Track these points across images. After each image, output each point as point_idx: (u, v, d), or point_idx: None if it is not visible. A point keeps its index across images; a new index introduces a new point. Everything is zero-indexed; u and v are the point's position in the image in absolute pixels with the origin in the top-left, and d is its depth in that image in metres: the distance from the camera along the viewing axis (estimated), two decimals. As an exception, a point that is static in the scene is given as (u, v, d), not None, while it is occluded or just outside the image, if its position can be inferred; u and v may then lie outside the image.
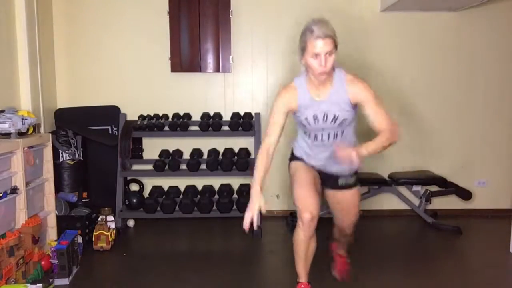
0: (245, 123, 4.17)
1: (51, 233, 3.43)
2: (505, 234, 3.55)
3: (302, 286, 2.50)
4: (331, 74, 2.25)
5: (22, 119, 3.09)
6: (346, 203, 2.53)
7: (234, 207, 4.07)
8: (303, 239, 2.41)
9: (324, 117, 2.28)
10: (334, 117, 2.27)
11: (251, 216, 2.25)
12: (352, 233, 2.70)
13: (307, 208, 2.32)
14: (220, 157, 4.25)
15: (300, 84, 2.31)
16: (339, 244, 2.85)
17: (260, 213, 4.12)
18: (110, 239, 3.52)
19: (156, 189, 4.28)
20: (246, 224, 2.24)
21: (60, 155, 3.96)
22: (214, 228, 4.17)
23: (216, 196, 4.25)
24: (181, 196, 4.23)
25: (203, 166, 4.15)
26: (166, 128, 4.20)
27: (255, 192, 2.29)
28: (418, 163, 4.45)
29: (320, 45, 2.09)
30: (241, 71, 4.41)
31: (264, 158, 2.34)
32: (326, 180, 2.52)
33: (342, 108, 2.25)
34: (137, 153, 4.40)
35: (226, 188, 4.27)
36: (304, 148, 2.50)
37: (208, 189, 4.27)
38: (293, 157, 2.60)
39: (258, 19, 4.34)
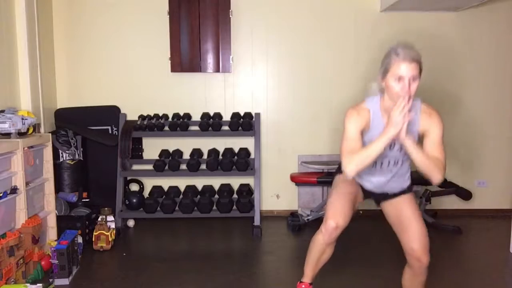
0: (245, 123, 4.17)
1: (51, 233, 3.43)
2: (505, 234, 3.55)
3: (303, 286, 2.48)
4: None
5: (22, 119, 3.09)
6: (406, 214, 2.26)
7: (234, 207, 4.06)
8: (321, 244, 2.33)
9: (392, 145, 2.15)
10: (401, 146, 2.15)
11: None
12: (427, 261, 2.22)
13: (335, 216, 2.23)
14: (220, 157, 4.25)
15: (374, 107, 2.19)
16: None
17: (260, 213, 4.14)
18: (110, 239, 3.52)
19: (156, 189, 4.28)
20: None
21: (60, 155, 3.96)
22: (214, 228, 4.17)
23: (216, 196, 4.25)
24: (181, 196, 4.23)
25: (203, 166, 4.15)
26: (166, 128, 4.20)
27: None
28: (418, 163, 4.44)
29: (406, 69, 2.01)
30: (241, 71, 4.41)
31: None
32: (377, 198, 2.40)
33: (409, 135, 2.08)
34: (137, 153, 4.40)
35: (226, 188, 4.27)
36: None
37: (208, 189, 4.27)
38: (340, 170, 2.38)
39: (258, 19, 4.34)
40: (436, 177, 2.11)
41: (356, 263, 3.23)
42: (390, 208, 2.35)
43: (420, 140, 2.18)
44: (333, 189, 2.43)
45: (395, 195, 2.33)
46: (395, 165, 2.25)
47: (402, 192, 2.34)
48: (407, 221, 2.25)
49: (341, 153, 2.13)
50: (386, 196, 2.36)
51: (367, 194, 2.44)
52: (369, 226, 4.10)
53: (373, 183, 2.34)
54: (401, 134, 2.00)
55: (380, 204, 2.43)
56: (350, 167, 2.08)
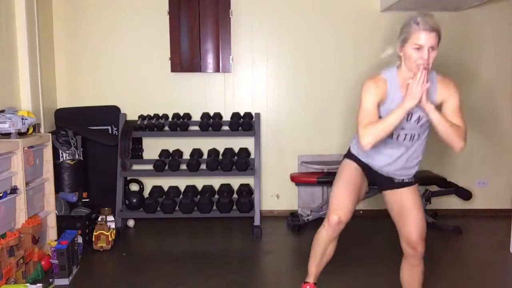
0: (245, 123, 4.17)
1: (51, 233, 3.43)
2: (505, 234, 3.55)
3: (308, 287, 2.48)
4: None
5: (22, 119, 3.09)
6: (407, 204, 2.27)
7: (234, 207, 4.06)
8: (324, 239, 2.33)
9: (409, 116, 2.12)
10: (419, 117, 2.14)
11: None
12: (422, 249, 2.28)
13: (338, 210, 2.23)
14: (220, 157, 4.25)
15: (391, 78, 2.16)
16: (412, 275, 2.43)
17: (260, 213, 4.14)
18: (110, 239, 3.52)
19: (156, 189, 4.28)
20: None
21: (60, 155, 3.96)
22: (214, 228, 4.17)
23: (216, 196, 4.25)
24: (181, 196, 4.23)
25: (203, 166, 4.15)
26: (166, 128, 4.20)
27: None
28: (418, 163, 4.44)
29: (425, 38, 1.99)
30: (241, 71, 4.41)
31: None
32: (382, 182, 2.36)
33: (429, 100, 2.07)
34: (137, 153, 4.40)
35: (226, 188, 4.27)
36: None
37: (208, 189, 4.27)
38: (348, 155, 2.42)
39: (258, 19, 4.34)
40: (458, 144, 2.09)
41: (356, 263, 3.23)
42: (393, 197, 2.34)
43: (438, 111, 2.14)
44: (339, 175, 2.38)
45: (400, 184, 2.31)
46: (411, 140, 2.22)
47: (407, 184, 2.31)
48: (408, 210, 2.26)
49: (358, 125, 2.11)
50: (391, 183, 2.32)
51: (373, 177, 2.37)
52: (369, 226, 4.10)
53: (384, 156, 2.26)
54: (422, 100, 1.99)
55: (383, 191, 2.39)
56: (367, 139, 2.06)
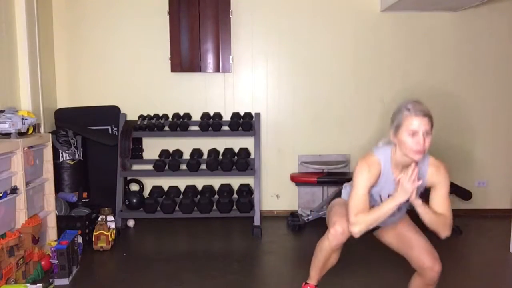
0: (245, 123, 4.17)
1: (51, 233, 3.43)
2: (505, 234, 3.55)
3: (308, 287, 2.48)
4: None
5: (22, 119, 3.09)
6: (404, 229, 2.33)
7: (234, 207, 4.06)
8: (327, 250, 2.31)
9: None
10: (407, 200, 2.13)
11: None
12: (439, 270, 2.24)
13: (342, 221, 2.22)
14: (220, 157, 4.25)
15: (385, 160, 2.17)
16: None
17: (260, 213, 4.14)
18: (110, 239, 3.52)
19: (156, 189, 4.28)
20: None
21: (60, 155, 3.96)
22: (214, 228, 4.17)
23: (216, 196, 4.25)
24: (181, 196, 4.23)
25: (203, 166, 4.15)
26: (166, 128, 4.20)
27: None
28: (418, 163, 4.44)
29: (418, 123, 2.00)
30: (241, 71, 4.41)
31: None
32: (373, 229, 2.36)
33: (418, 191, 2.10)
34: (137, 153, 4.40)
35: (226, 188, 4.27)
36: None
37: (208, 189, 4.27)
38: (340, 196, 2.50)
39: (258, 19, 4.34)
40: (443, 233, 2.16)
41: (357, 263, 3.22)
42: (388, 232, 2.39)
43: (426, 191, 2.21)
44: (335, 203, 2.42)
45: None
46: (399, 210, 2.26)
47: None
48: (408, 237, 2.30)
49: (349, 210, 2.14)
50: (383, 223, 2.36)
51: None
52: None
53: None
54: (412, 197, 2.04)
55: (374, 233, 2.43)
56: (358, 228, 2.11)
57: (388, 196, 2.17)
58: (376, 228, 2.39)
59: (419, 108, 2.03)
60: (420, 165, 2.10)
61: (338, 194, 2.53)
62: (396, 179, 2.07)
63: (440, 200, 2.18)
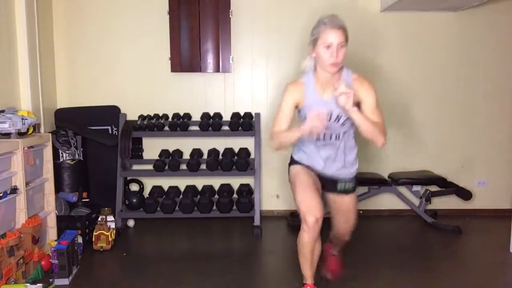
0: (245, 123, 4.17)
1: (51, 233, 3.43)
2: (505, 234, 3.55)
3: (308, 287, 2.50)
4: (340, 72, 2.28)
5: (22, 119, 3.09)
6: (344, 209, 2.56)
7: (234, 207, 4.06)
8: (308, 242, 2.38)
9: (328, 115, 2.26)
10: (338, 116, 2.29)
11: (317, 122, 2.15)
12: (348, 238, 2.72)
13: (311, 210, 2.32)
14: (220, 157, 4.25)
15: (308, 81, 2.33)
16: (335, 245, 2.87)
17: (260, 213, 4.13)
18: (110, 239, 3.52)
19: (156, 189, 4.28)
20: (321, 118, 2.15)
21: (60, 155, 3.96)
22: (214, 228, 4.17)
23: (216, 196, 4.25)
24: (181, 196, 4.23)
25: (203, 166, 4.15)
26: (166, 128, 4.20)
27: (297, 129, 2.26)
28: (418, 163, 4.45)
29: (332, 36, 2.15)
30: (241, 71, 4.41)
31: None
32: (326, 184, 2.54)
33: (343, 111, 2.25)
34: (137, 153, 4.40)
35: (226, 188, 4.27)
36: (304, 148, 2.49)
37: (208, 189, 4.27)
38: (292, 161, 2.60)
39: (258, 19, 4.34)
40: (380, 141, 2.25)
41: (357, 263, 3.22)
42: (334, 201, 2.58)
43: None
44: (293, 181, 2.51)
45: (341, 192, 2.51)
46: (337, 138, 2.38)
47: (347, 192, 2.52)
48: (344, 218, 2.59)
49: (272, 125, 2.38)
50: (335, 189, 2.52)
51: (321, 181, 2.54)
52: (369, 226, 4.10)
53: (320, 158, 2.44)
54: (347, 105, 2.14)
55: (327, 192, 2.57)
56: (273, 143, 2.36)
57: None
58: (332, 186, 2.53)
59: (334, 21, 2.18)
60: (343, 79, 2.25)
61: (291, 160, 2.63)
62: (334, 93, 2.17)
63: (371, 110, 2.27)
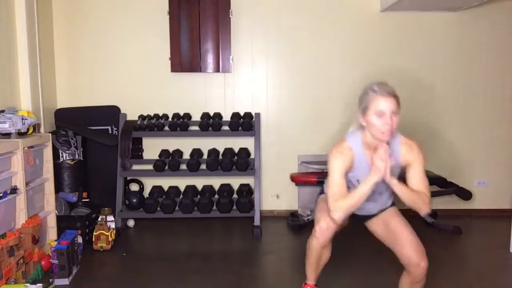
0: (245, 123, 4.17)
1: (51, 233, 3.43)
2: (505, 234, 3.55)
3: (308, 287, 2.49)
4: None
5: (22, 119, 3.09)
6: (392, 222, 2.31)
7: (234, 207, 4.06)
8: (316, 248, 2.34)
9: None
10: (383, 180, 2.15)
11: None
12: (426, 270, 2.21)
13: (325, 218, 2.25)
14: (220, 157, 4.25)
15: (356, 146, 2.19)
16: None
17: (260, 213, 4.13)
18: (110, 239, 3.52)
19: (156, 189, 4.28)
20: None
21: (60, 155, 3.96)
22: (214, 228, 4.17)
23: (216, 196, 4.25)
24: (181, 196, 4.23)
25: (203, 166, 4.15)
26: (166, 128, 4.20)
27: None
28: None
29: (385, 104, 2.04)
30: (241, 71, 4.41)
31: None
32: (362, 219, 2.43)
33: (393, 171, 2.13)
34: (137, 153, 4.40)
35: (226, 188, 4.27)
36: None
37: (208, 189, 4.27)
38: (324, 192, 2.49)
39: (258, 19, 4.34)
40: (423, 211, 2.16)
41: (357, 263, 3.22)
42: (376, 224, 2.40)
43: (403, 171, 2.23)
44: (319, 204, 2.44)
45: (379, 212, 2.38)
46: (380, 194, 2.29)
47: (385, 208, 2.38)
48: (396, 231, 2.27)
49: (328, 198, 2.18)
50: (370, 216, 2.40)
51: (351, 217, 2.38)
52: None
53: (358, 209, 2.29)
54: (386, 177, 2.05)
55: (364, 223, 2.45)
56: (338, 214, 2.13)
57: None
58: (367, 218, 2.41)
59: (385, 88, 2.06)
60: (392, 145, 2.12)
61: (322, 191, 2.55)
62: (371, 161, 2.08)
63: (416, 178, 2.18)
